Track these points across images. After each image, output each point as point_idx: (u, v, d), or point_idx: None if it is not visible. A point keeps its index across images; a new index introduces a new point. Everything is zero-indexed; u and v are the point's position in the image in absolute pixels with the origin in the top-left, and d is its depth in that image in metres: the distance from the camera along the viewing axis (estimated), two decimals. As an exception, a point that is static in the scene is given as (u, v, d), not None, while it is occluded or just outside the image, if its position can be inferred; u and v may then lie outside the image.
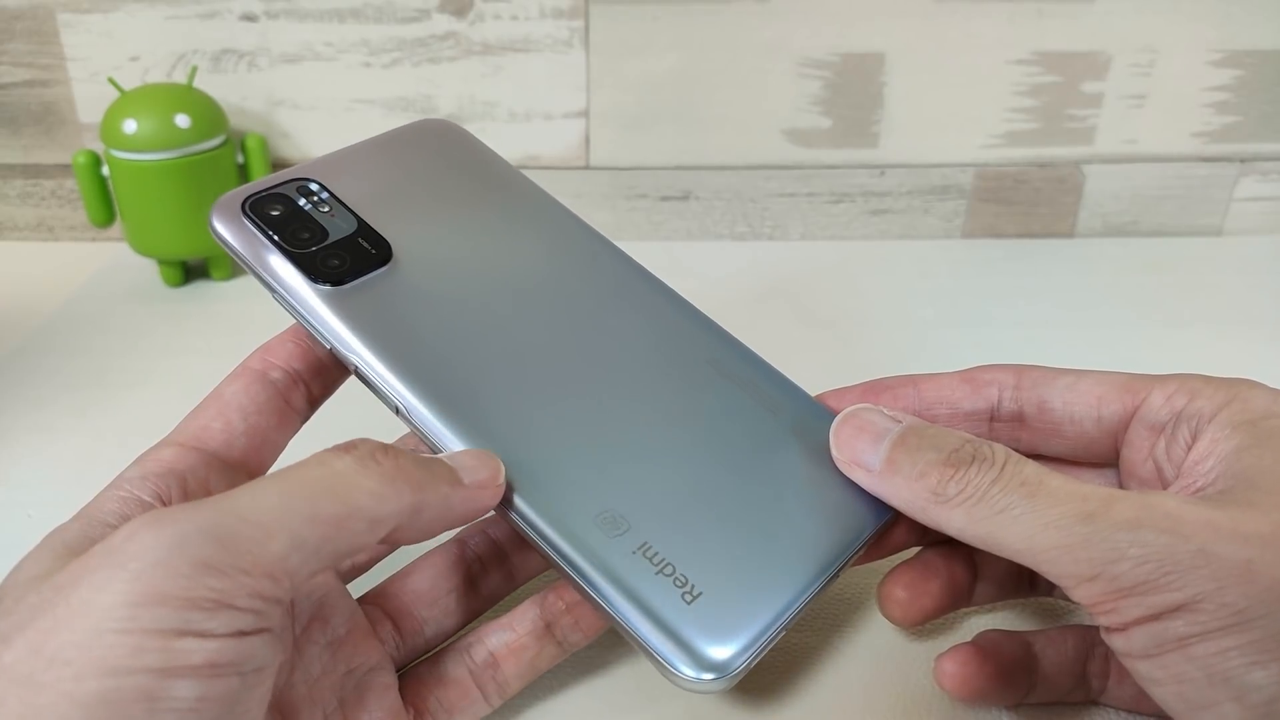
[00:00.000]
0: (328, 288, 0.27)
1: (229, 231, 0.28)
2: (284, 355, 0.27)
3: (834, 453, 0.26)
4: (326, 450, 0.22)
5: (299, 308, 0.27)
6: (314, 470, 0.21)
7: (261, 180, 0.29)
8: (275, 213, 0.28)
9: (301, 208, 0.28)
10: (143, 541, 0.18)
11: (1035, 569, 0.22)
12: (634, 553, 0.24)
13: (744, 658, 0.23)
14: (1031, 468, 0.23)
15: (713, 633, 0.23)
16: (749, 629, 0.23)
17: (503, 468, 0.24)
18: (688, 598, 0.23)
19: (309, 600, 0.25)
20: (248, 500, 0.20)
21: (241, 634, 0.18)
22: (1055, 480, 0.22)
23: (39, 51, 0.53)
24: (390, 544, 0.26)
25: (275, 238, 0.27)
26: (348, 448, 0.22)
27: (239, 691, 0.19)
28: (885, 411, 0.26)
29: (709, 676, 0.22)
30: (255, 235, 0.27)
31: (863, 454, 0.25)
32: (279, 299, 0.27)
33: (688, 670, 0.22)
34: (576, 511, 0.24)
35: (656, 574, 0.24)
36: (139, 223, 0.49)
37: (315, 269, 0.27)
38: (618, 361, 0.28)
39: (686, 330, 0.29)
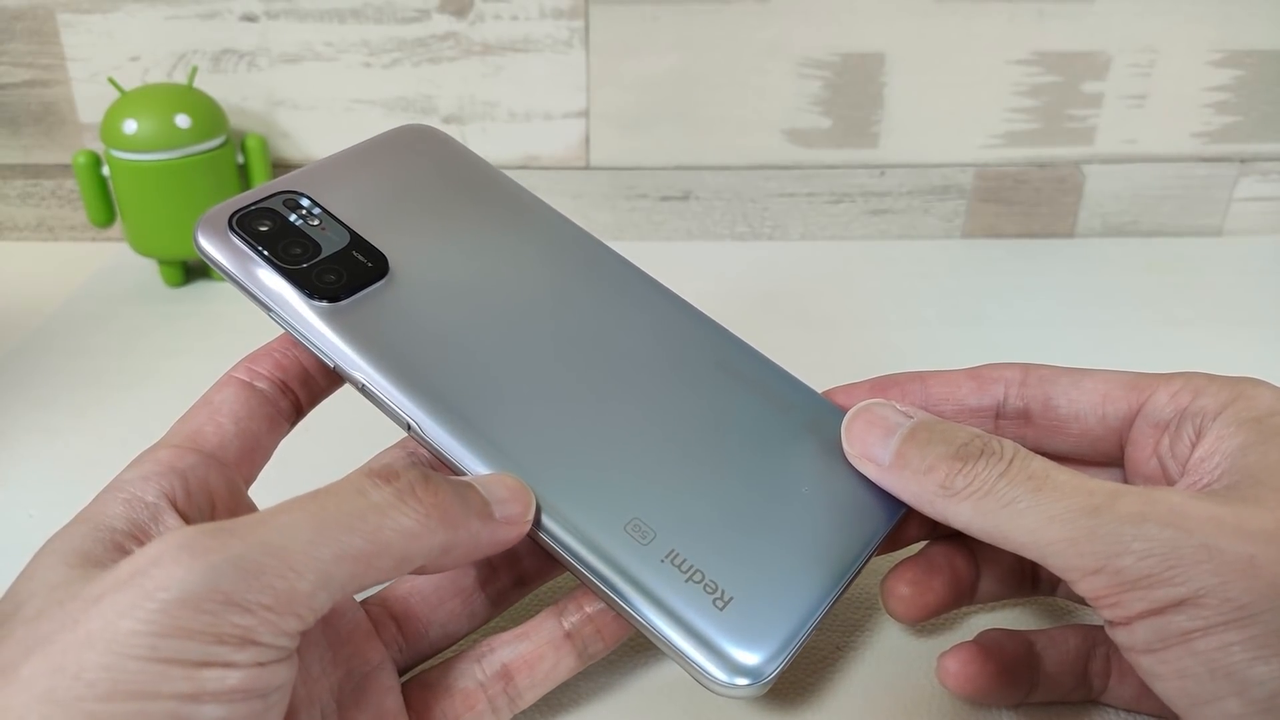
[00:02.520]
0: (325, 304, 0.26)
1: (217, 250, 0.27)
2: (269, 365, 0.27)
3: (845, 447, 0.27)
4: (366, 476, 0.21)
5: (298, 327, 0.26)
6: (351, 501, 0.20)
7: (246, 195, 0.28)
8: (265, 228, 0.27)
9: (291, 222, 0.28)
10: (171, 573, 0.18)
11: (1040, 562, 0.22)
12: (663, 561, 0.24)
13: (778, 661, 0.23)
14: (1039, 462, 0.23)
15: (746, 638, 0.23)
16: (781, 632, 0.23)
17: (534, 501, 0.24)
18: (719, 604, 0.23)
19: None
20: (278, 532, 0.19)
21: (264, 665, 0.19)
22: (1061, 474, 0.22)
23: (39, 51, 0.53)
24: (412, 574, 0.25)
25: (267, 255, 0.27)
26: (389, 477, 0.21)
27: (262, 712, 0.19)
28: (897, 407, 0.26)
29: (745, 682, 0.22)
30: (246, 253, 0.27)
31: (873, 448, 0.26)
32: (275, 318, 0.26)
33: (725, 677, 0.22)
34: (604, 523, 0.24)
35: (686, 581, 0.24)
36: (139, 223, 0.49)
37: (311, 286, 0.26)
38: (627, 366, 0.28)
39: (691, 332, 0.29)
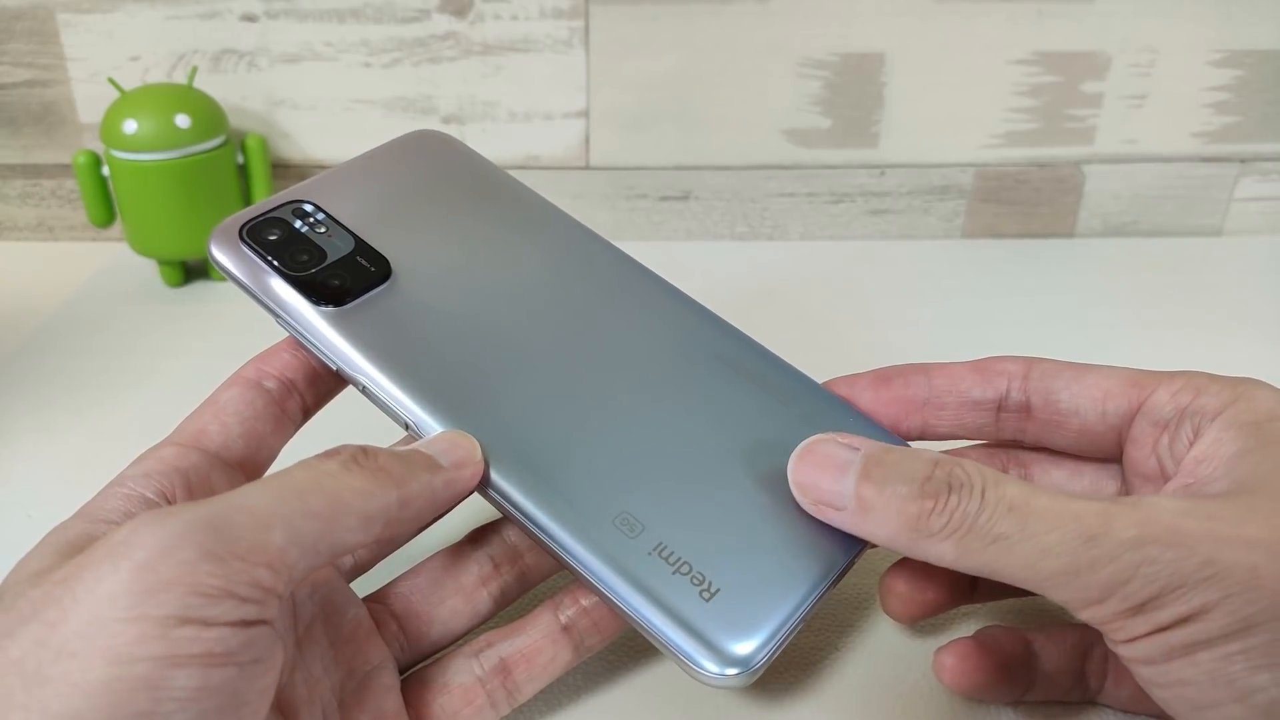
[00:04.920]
0: (330, 309, 0.27)
1: (229, 259, 0.28)
2: (279, 365, 0.27)
3: (797, 497, 0.25)
4: (310, 457, 0.22)
5: (303, 331, 0.27)
6: (302, 473, 0.21)
7: (257, 205, 0.29)
8: (273, 237, 0.28)
9: (299, 230, 0.29)
10: (146, 533, 0.18)
11: (1038, 593, 0.22)
12: (650, 553, 0.24)
13: (765, 651, 0.23)
14: (1014, 487, 0.22)
15: (733, 628, 0.23)
16: (768, 622, 0.23)
17: (478, 445, 0.25)
18: (705, 595, 0.23)
19: (313, 598, 0.25)
20: (243, 496, 0.20)
21: (241, 624, 0.19)
22: (1042, 499, 0.21)
23: (39, 51, 0.53)
24: (387, 540, 0.26)
25: (275, 262, 0.28)
26: (330, 454, 0.22)
27: (237, 683, 0.19)
28: (838, 439, 0.24)
29: (732, 672, 0.22)
30: (255, 261, 0.28)
31: (828, 493, 0.24)
32: (283, 323, 0.27)
33: (711, 667, 0.22)
34: (593, 517, 0.24)
35: (673, 573, 0.24)
36: (139, 223, 0.49)
37: (316, 291, 0.27)
38: (625, 362, 0.28)
39: (692, 326, 0.29)
